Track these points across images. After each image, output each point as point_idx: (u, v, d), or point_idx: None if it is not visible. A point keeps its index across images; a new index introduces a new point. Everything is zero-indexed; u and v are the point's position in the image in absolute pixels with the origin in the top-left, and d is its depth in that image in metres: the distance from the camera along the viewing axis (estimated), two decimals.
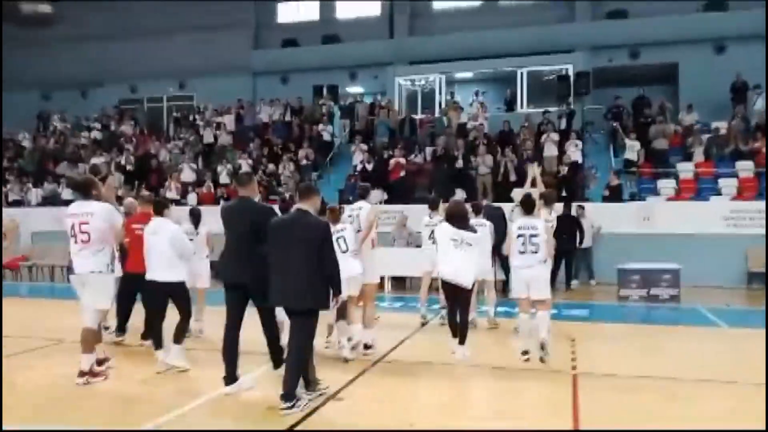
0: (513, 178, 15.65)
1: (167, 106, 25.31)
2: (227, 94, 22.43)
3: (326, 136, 19.32)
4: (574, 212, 13.13)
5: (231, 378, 5.57)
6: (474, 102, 19.57)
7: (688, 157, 15.53)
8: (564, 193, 14.37)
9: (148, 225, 6.53)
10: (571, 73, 19.39)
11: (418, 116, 19.38)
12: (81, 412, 5.14)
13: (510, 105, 20.17)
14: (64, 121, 23.95)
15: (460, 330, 6.90)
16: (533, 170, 8.10)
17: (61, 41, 24.82)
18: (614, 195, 14.35)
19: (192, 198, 17.40)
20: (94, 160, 20.38)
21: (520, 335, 7.17)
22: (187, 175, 18.63)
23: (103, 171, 19.21)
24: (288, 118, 20.77)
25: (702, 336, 8.38)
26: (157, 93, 25.45)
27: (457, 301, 6.96)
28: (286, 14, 24.83)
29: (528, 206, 7.03)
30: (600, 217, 13.74)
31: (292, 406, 4.95)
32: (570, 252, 12.44)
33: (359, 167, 17.09)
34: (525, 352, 6.74)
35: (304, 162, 18.15)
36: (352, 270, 6.45)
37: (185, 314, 6.45)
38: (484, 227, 8.07)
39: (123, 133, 21.88)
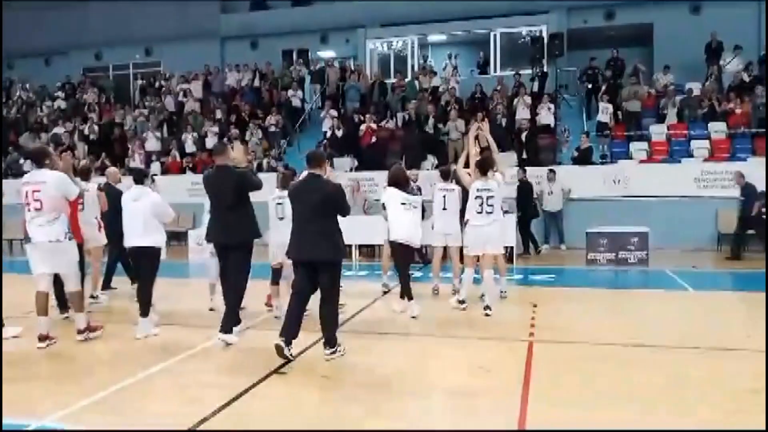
0: (484, 143, 15.38)
1: (133, 73, 24.58)
2: (196, 61, 21.70)
3: (296, 102, 18.84)
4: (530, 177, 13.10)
5: None
6: (447, 65, 19.17)
7: (662, 119, 15.31)
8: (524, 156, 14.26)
9: (129, 192, 6.57)
10: (545, 34, 18.99)
11: (390, 80, 18.89)
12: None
13: (483, 68, 19.78)
14: (26, 90, 23.15)
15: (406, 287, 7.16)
16: (474, 130, 8.09)
17: (23, 8, 23.83)
18: (584, 158, 14.14)
19: (156, 167, 16.96)
20: (57, 130, 19.92)
21: (462, 286, 7.52)
22: (152, 144, 18.15)
23: (65, 141, 18.90)
24: (257, 84, 20.22)
25: (667, 299, 8.23)
26: (123, 60, 24.70)
27: (406, 260, 7.27)
28: None
29: (483, 168, 7.01)
30: (571, 180, 13.56)
31: (334, 352, 5.35)
32: (523, 219, 12.46)
33: (329, 133, 16.70)
34: (461, 302, 7.32)
35: (273, 129, 17.71)
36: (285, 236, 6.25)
37: (150, 280, 6.48)
38: (453, 192, 7.96)
39: (86, 102, 21.17)
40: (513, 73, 17.56)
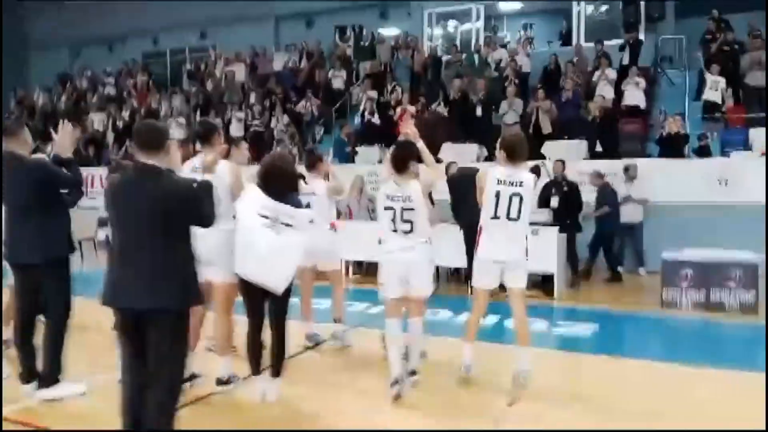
0: (548, 129, 11.95)
1: (189, 57, 23.11)
2: (250, 43, 19.86)
3: (337, 84, 16.15)
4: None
5: None
6: (521, 37, 15.74)
7: None
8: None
9: None
10: None
11: (446, 57, 15.69)
12: None
13: (567, 39, 16.04)
14: (82, 77, 22.33)
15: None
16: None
17: None
18: (674, 147, 10.26)
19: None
20: (94, 117, 18.74)
21: (392, 358, 4.61)
22: (175, 131, 16.26)
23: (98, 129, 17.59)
24: (304, 65, 17.80)
25: None
26: (179, 44, 23.34)
27: (254, 309, 4.61)
28: None
29: (398, 162, 4.75)
30: (654, 179, 9.84)
31: None
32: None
33: (365, 119, 13.89)
34: (395, 382, 4.45)
35: (304, 113, 15.15)
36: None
37: None
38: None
39: (127, 89, 19.86)
40: (594, 43, 13.79)
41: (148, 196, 3.15)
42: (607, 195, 9.37)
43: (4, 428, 4.03)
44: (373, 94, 14.39)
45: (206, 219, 3.31)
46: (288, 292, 4.33)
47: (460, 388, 4.75)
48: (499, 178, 4.66)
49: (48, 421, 4.15)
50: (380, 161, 12.45)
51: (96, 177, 14.90)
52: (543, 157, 10.66)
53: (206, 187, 3.37)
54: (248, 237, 4.13)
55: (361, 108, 14.20)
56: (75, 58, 24.97)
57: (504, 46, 15.36)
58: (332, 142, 13.95)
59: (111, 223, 3.33)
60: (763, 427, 3.73)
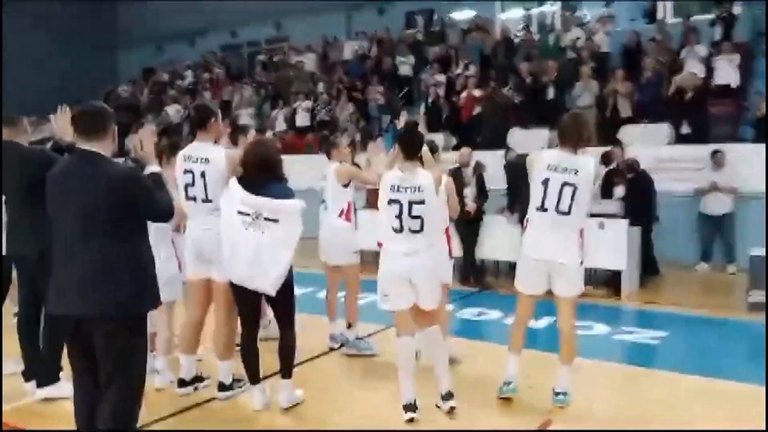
0: (627, 112, 10.96)
1: (265, 49, 23.26)
2: (323, 33, 19.70)
3: (405, 70, 15.64)
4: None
5: None
6: (600, 16, 14.63)
7: None
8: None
9: None
10: None
11: (519, 38, 14.82)
12: None
13: (652, 17, 14.77)
14: (163, 71, 22.96)
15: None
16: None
17: None
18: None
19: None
20: (170, 110, 19.11)
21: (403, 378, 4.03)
22: (245, 121, 16.31)
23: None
24: (372, 52, 17.41)
25: None
26: (256, 37, 23.55)
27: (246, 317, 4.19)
28: None
29: (407, 146, 4.15)
30: (747, 166, 8.75)
31: None
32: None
33: (429, 106, 13.34)
34: (408, 407, 3.90)
35: (371, 101, 14.76)
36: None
37: None
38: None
39: (204, 81, 20.19)
40: (681, 20, 12.55)
41: (88, 185, 2.79)
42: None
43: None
44: (441, 78, 13.80)
45: (157, 211, 2.92)
46: (288, 291, 3.92)
47: (497, 407, 4.14)
48: (550, 163, 3.95)
49: (44, 421, 3.95)
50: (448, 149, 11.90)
51: None
52: (619, 143, 9.78)
53: (153, 178, 2.99)
54: (232, 237, 3.75)
55: (428, 94, 13.68)
56: (159, 52, 25.76)
57: (582, 25, 14.32)
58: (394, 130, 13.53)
59: (51, 218, 2.96)
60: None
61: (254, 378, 4.04)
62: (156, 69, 23.71)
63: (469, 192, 7.84)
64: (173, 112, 18.84)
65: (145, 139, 3.97)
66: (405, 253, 3.83)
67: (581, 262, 4.00)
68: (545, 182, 3.92)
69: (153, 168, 3.14)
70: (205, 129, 4.19)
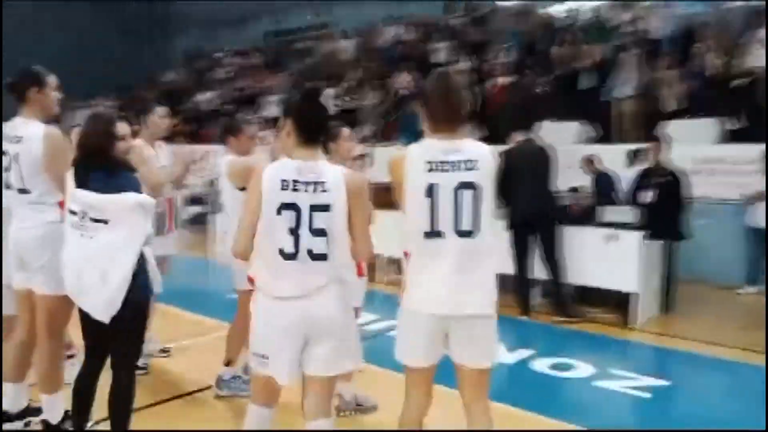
0: (674, 105, 9.57)
1: (309, 35, 22.65)
2: (366, 19, 18.82)
3: (437, 57, 14.53)
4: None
5: None
6: None
7: None
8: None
9: None
10: None
11: (561, 23, 13.45)
12: None
13: None
14: (203, 57, 22.77)
15: None
16: None
17: None
18: None
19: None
20: (201, 97, 18.80)
21: None
22: (274, 111, 15.74)
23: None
24: (409, 38, 16.43)
25: None
26: (302, 23, 22.96)
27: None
28: None
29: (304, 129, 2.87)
30: None
31: None
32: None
33: None
34: None
35: (400, 88, 13.78)
36: None
37: None
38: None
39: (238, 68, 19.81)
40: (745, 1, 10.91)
41: None
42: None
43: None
44: (468, 66, 12.66)
45: None
46: (133, 321, 3.04)
47: None
48: (430, 161, 2.61)
49: None
50: None
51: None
52: (656, 139, 8.51)
53: None
54: (66, 242, 2.94)
55: None
56: (207, 38, 25.60)
57: (631, 7, 12.81)
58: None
59: None
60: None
61: (79, 423, 3.18)
62: (198, 55, 23.57)
63: None
64: (205, 99, 18.48)
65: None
66: (299, 293, 2.58)
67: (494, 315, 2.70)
68: (430, 191, 2.60)
69: None
70: (25, 101, 3.38)
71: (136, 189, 3.03)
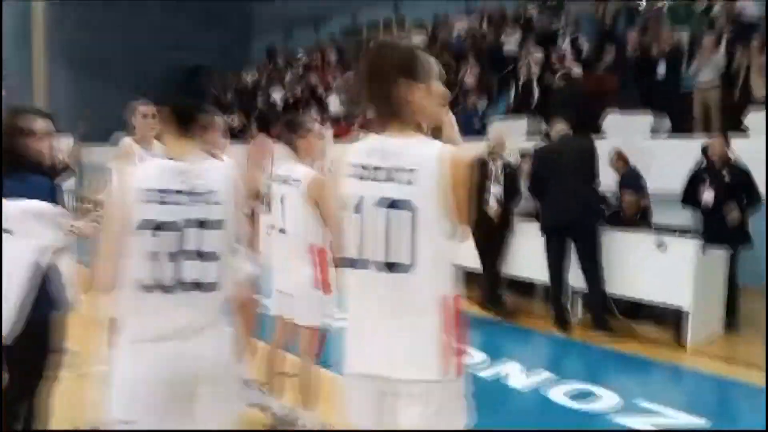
0: (762, 92, 8.39)
1: (383, 31, 22.30)
2: (440, 11, 18.27)
3: (510, 47, 13.71)
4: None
5: None
6: None
7: None
8: None
9: None
10: None
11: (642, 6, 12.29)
12: None
13: None
14: (281, 55, 22.94)
15: None
16: None
17: None
18: None
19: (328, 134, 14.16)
20: (275, 94, 18.87)
21: None
22: (336, 107, 15.53)
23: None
24: (481, 29, 15.70)
25: None
26: (375, 19, 22.67)
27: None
28: None
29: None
30: None
31: None
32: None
33: (520, 85, 11.51)
34: None
35: (463, 82, 13.11)
36: None
37: None
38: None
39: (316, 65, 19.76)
40: None
41: None
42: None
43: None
44: (538, 55, 11.80)
45: None
46: (32, 348, 2.66)
47: None
48: (361, 164, 1.90)
49: None
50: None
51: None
52: (742, 130, 7.55)
53: None
54: None
55: (522, 72, 11.78)
56: (287, 38, 25.86)
57: None
58: (496, 113, 12.05)
59: None
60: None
61: None
62: (274, 54, 23.80)
63: (496, 190, 6.09)
64: (278, 96, 18.51)
65: None
66: (174, 330, 2.01)
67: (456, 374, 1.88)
68: (358, 206, 1.91)
69: None
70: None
71: (46, 195, 2.67)
